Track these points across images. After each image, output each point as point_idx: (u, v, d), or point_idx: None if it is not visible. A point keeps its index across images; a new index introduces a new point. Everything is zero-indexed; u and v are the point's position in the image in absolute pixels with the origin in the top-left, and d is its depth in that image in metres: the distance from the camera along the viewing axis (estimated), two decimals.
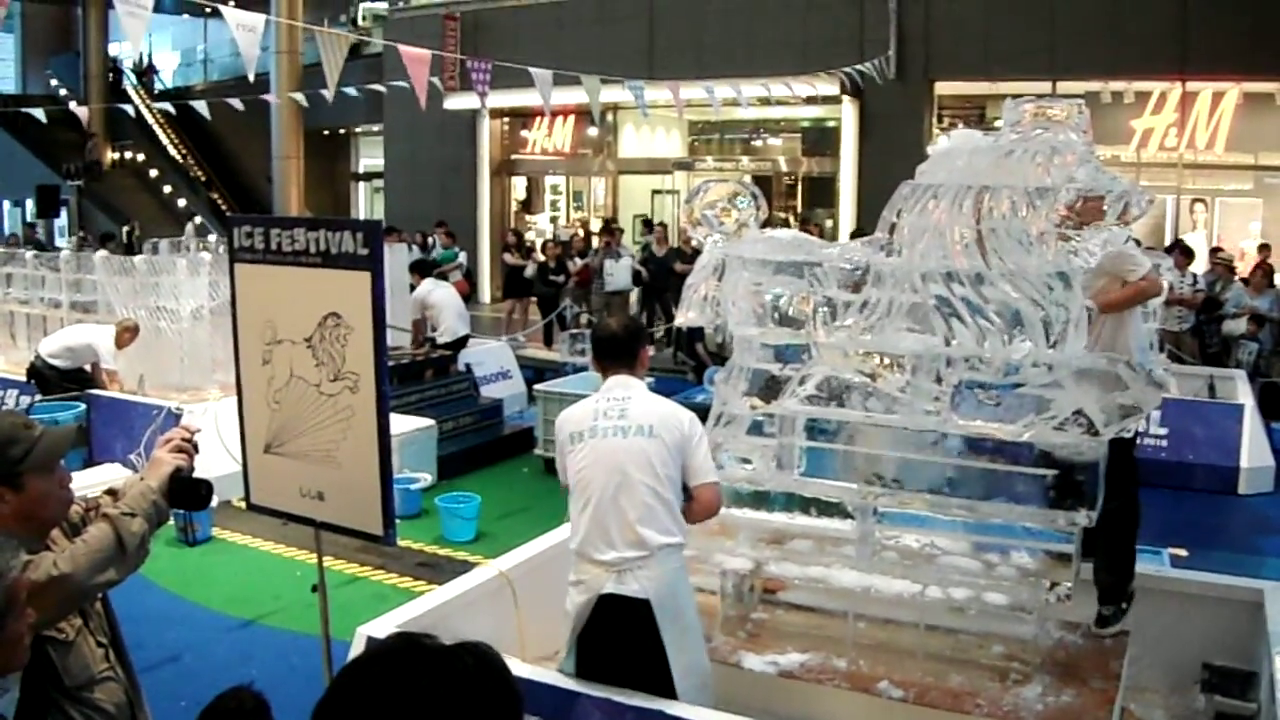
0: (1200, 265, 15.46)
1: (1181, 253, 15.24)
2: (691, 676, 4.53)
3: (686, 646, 4.54)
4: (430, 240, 21.31)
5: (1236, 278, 15.26)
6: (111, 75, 34.61)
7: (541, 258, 19.63)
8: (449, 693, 1.68)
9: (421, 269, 13.88)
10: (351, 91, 16.66)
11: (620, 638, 4.53)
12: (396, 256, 15.54)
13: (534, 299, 19.73)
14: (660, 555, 4.46)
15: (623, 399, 4.63)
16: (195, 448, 3.29)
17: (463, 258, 20.57)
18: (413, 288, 13.48)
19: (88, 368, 11.07)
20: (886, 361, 4.90)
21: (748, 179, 21.75)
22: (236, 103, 17.71)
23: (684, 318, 5.57)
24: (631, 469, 4.48)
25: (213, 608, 7.76)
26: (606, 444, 4.54)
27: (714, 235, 5.55)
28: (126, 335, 11.00)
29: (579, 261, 18.83)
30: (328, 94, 12.90)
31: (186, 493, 3.20)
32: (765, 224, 5.74)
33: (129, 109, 27.82)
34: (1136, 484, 5.55)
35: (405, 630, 1.88)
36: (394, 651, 1.74)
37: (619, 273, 18.18)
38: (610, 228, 20.35)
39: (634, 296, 19.04)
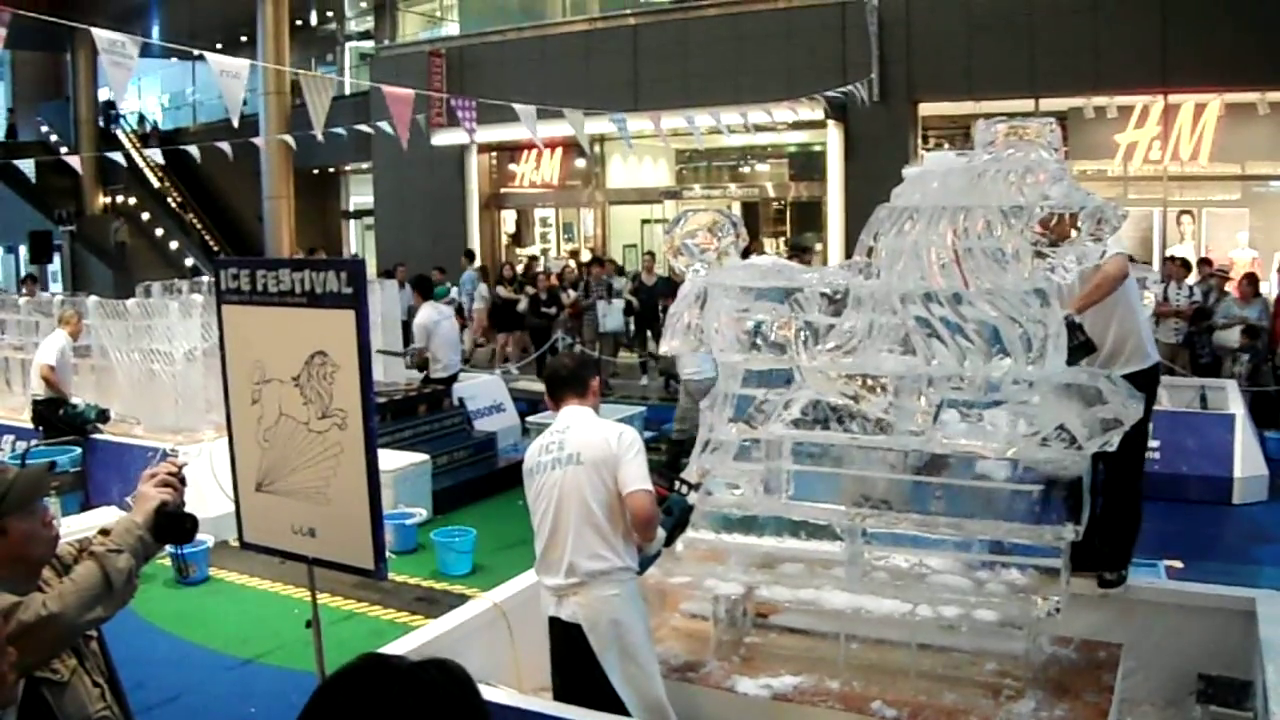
0: (1192, 276, 15.49)
1: (1180, 265, 15.33)
2: (641, 709, 4.62)
3: (631, 676, 4.63)
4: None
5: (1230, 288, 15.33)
6: (103, 121, 34.68)
7: (533, 290, 19.71)
8: (417, 706, 1.73)
9: (423, 287, 13.18)
10: (340, 132, 16.70)
11: (570, 660, 4.69)
12: (389, 292, 15.60)
13: (526, 331, 19.81)
14: (593, 582, 4.60)
15: (564, 431, 4.80)
16: (182, 482, 3.31)
17: (455, 293, 20.62)
18: (411, 310, 13.30)
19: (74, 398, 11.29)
20: (869, 383, 4.94)
21: (736, 207, 21.98)
22: (226, 148, 17.77)
23: (668, 346, 5.62)
24: (563, 499, 4.66)
25: (211, 647, 7.77)
26: (547, 478, 4.74)
27: (695, 264, 5.60)
28: (73, 323, 11.42)
29: (571, 294, 18.92)
30: (316, 135, 12.96)
31: (172, 527, 3.22)
32: (747, 251, 5.81)
33: (120, 156, 27.86)
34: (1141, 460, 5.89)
35: (370, 652, 1.93)
36: (360, 670, 1.79)
37: (612, 314, 18.32)
38: (600, 259, 20.40)
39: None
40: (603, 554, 4.59)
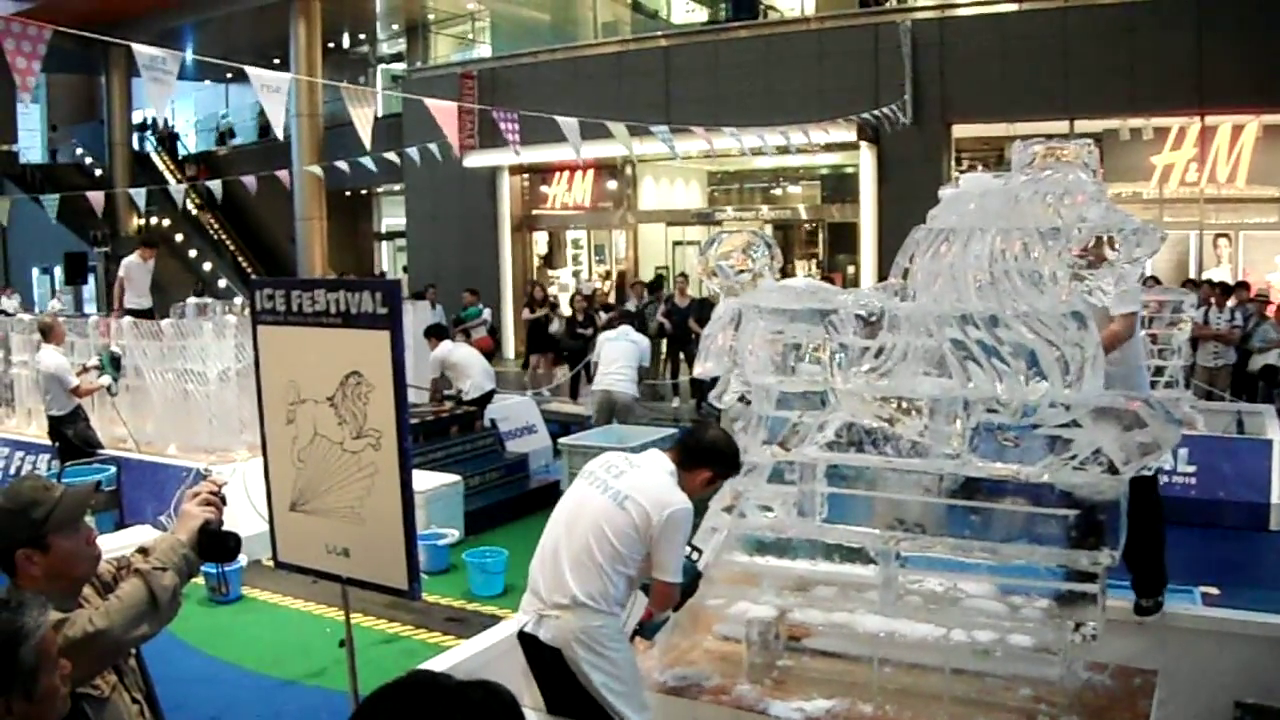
0: (1231, 299, 15.36)
1: (1221, 290, 15.21)
2: None
3: (614, 707, 4.50)
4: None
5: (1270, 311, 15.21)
6: (138, 143, 35.09)
7: (568, 312, 19.74)
8: None
9: (437, 333, 13.79)
10: (370, 167, 16.74)
11: (555, 680, 4.59)
12: (420, 315, 15.70)
13: (558, 353, 19.83)
14: (580, 611, 4.46)
15: (633, 465, 4.71)
16: (223, 500, 3.34)
17: (487, 314, 20.70)
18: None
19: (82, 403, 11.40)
20: (904, 406, 4.91)
21: (768, 229, 21.96)
22: (250, 181, 17.81)
23: (702, 368, 5.60)
24: (583, 524, 4.55)
25: (244, 666, 7.81)
26: (586, 493, 4.66)
27: (730, 286, 5.59)
28: (58, 329, 11.47)
29: (604, 316, 18.92)
30: (362, 149, 13.00)
31: (215, 545, 3.25)
32: (782, 272, 5.80)
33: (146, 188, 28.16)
34: (1155, 482, 5.89)
35: (419, 668, 1.94)
36: (408, 686, 1.80)
37: None
38: (640, 282, 20.39)
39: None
40: (595, 595, 4.47)
